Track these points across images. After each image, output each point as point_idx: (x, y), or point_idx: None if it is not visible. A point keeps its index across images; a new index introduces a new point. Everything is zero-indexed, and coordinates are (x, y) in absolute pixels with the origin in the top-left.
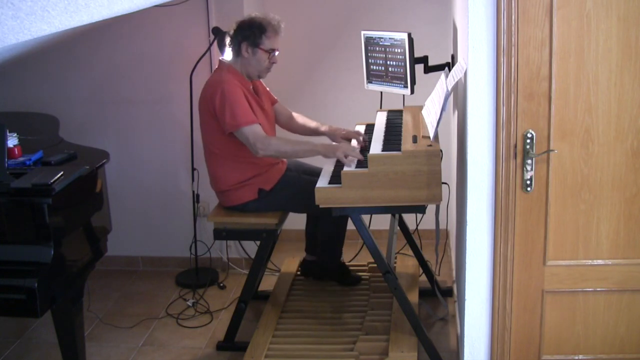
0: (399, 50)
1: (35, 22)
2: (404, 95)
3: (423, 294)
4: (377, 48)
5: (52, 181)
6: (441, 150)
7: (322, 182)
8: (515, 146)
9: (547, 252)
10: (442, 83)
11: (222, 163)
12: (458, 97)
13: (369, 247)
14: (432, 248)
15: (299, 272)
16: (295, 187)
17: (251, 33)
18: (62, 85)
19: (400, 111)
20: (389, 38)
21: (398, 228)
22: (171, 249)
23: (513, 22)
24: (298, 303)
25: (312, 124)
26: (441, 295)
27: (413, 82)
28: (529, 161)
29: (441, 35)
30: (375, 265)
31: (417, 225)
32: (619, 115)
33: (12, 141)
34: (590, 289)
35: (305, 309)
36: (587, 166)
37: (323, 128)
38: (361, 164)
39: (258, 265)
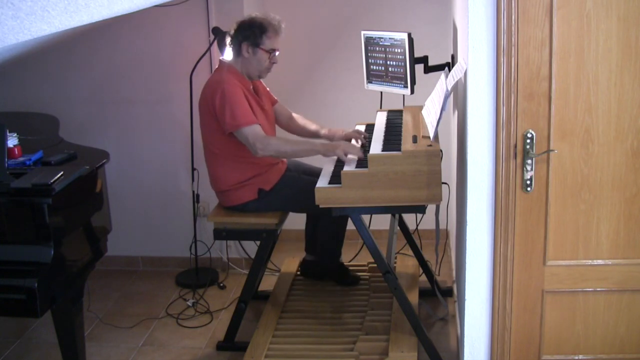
0: (399, 50)
1: (35, 22)
2: (404, 95)
3: (423, 294)
4: (377, 48)
5: (52, 181)
6: (441, 150)
7: (322, 182)
8: (515, 146)
9: (547, 252)
10: (442, 83)
11: (222, 163)
12: (458, 97)
13: (369, 247)
14: (432, 248)
15: (299, 272)
16: (295, 187)
17: (252, 33)
18: (62, 85)
19: (400, 111)
20: (389, 38)
21: (398, 228)
22: (171, 249)
23: (513, 22)
24: (298, 303)
25: (312, 126)
26: (441, 295)
27: (413, 82)
28: (529, 161)
29: (441, 35)
30: (375, 265)
31: (417, 225)
32: (619, 115)
33: (12, 141)
34: (590, 289)
35: (305, 309)
36: (587, 166)
37: (323, 131)
38: (361, 164)
39: (258, 265)
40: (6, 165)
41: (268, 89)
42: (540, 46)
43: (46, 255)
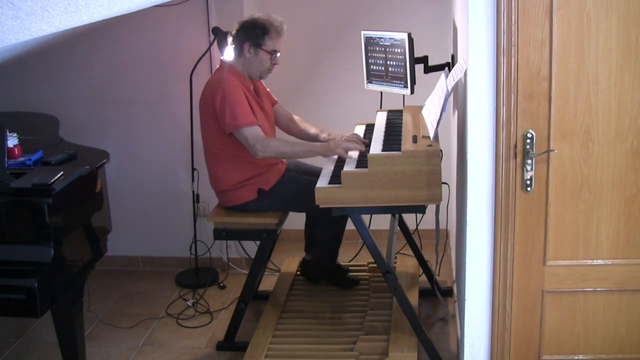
0: (399, 50)
1: (35, 22)
2: (404, 95)
3: (423, 294)
4: (377, 48)
5: (52, 181)
6: (441, 150)
7: (322, 182)
8: (515, 146)
9: (547, 252)
10: (442, 83)
11: (222, 163)
12: (458, 97)
13: (369, 247)
14: (432, 248)
15: (299, 272)
16: (295, 187)
17: (254, 34)
18: (62, 85)
19: (400, 111)
20: (389, 38)
21: (398, 228)
22: (171, 249)
23: (513, 22)
24: (298, 303)
25: (311, 130)
26: (441, 295)
27: (413, 82)
28: (529, 161)
29: (441, 35)
30: (375, 265)
31: (417, 225)
32: (619, 115)
33: (12, 141)
34: (590, 289)
35: (305, 309)
36: (587, 166)
37: (322, 135)
38: (361, 164)
39: (258, 265)
40: (6, 165)
41: (268, 89)
42: (540, 46)
43: (46, 255)
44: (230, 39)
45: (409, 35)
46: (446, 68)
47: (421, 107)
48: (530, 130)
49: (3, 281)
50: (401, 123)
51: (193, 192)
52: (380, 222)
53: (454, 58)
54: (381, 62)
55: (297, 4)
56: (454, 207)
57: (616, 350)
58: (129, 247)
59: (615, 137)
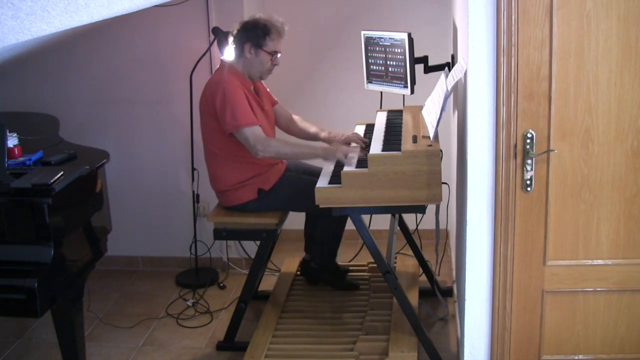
0: (399, 50)
1: (35, 22)
2: (404, 95)
3: (423, 294)
4: (377, 48)
5: (52, 181)
6: (441, 150)
7: (322, 182)
8: (515, 146)
9: (547, 252)
10: (442, 83)
11: (222, 163)
12: (458, 97)
13: (369, 247)
14: (432, 248)
15: (299, 272)
16: (295, 186)
17: (255, 34)
18: (62, 85)
19: (400, 111)
20: (389, 38)
21: (398, 228)
22: (171, 249)
23: (513, 22)
24: (298, 303)
25: (311, 129)
26: (441, 295)
27: (413, 82)
28: (529, 161)
29: (441, 35)
30: (375, 265)
31: (417, 225)
32: (619, 115)
33: (12, 141)
34: (590, 289)
35: (305, 309)
36: (587, 166)
37: (322, 134)
38: (361, 164)
39: (258, 265)
40: (6, 165)
41: (268, 89)
42: (540, 46)
43: (46, 255)
44: (231, 39)
45: (409, 35)
46: (446, 68)
47: (421, 107)
48: (530, 130)
49: (3, 281)
50: (401, 123)
51: (193, 192)
52: (380, 222)
53: (454, 58)
54: (381, 62)
55: (297, 4)
56: (454, 207)
57: (616, 350)
58: (129, 247)
59: (615, 137)
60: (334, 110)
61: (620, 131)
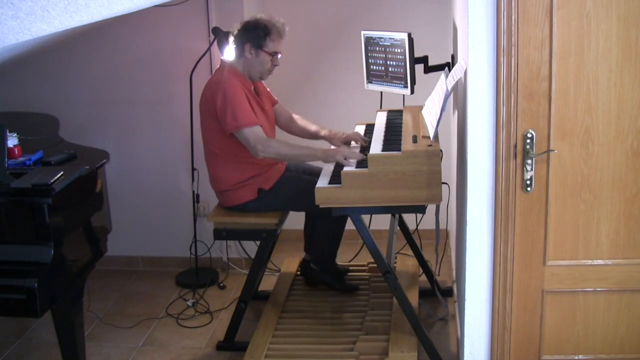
0: (399, 50)
1: (35, 22)
2: (404, 95)
3: (423, 294)
4: (377, 48)
5: (52, 181)
6: (441, 150)
7: (322, 182)
8: (515, 146)
9: (547, 252)
10: (442, 83)
11: (222, 163)
12: (458, 97)
13: (369, 247)
14: (432, 248)
15: (299, 272)
16: (295, 186)
17: (255, 35)
18: (62, 85)
19: (400, 111)
20: (389, 38)
21: (398, 228)
22: (171, 249)
23: (513, 22)
24: (298, 303)
25: (312, 127)
26: (441, 295)
27: (413, 82)
28: (529, 161)
29: (441, 35)
30: (375, 265)
31: (417, 225)
32: (619, 115)
33: (12, 141)
34: (590, 289)
35: (305, 309)
36: (587, 166)
37: (323, 132)
38: (361, 163)
39: (258, 265)
40: (6, 165)
41: (268, 89)
42: (540, 46)
43: (46, 255)
44: (231, 39)
45: (409, 35)
46: (446, 68)
47: (421, 107)
48: (530, 130)
49: (3, 281)
50: (401, 123)
51: (193, 192)
52: (380, 222)
53: (454, 58)
54: (381, 62)
55: (297, 4)
56: (454, 207)
57: (616, 350)
58: (129, 247)
59: (615, 137)
60: (334, 110)
61: (620, 131)
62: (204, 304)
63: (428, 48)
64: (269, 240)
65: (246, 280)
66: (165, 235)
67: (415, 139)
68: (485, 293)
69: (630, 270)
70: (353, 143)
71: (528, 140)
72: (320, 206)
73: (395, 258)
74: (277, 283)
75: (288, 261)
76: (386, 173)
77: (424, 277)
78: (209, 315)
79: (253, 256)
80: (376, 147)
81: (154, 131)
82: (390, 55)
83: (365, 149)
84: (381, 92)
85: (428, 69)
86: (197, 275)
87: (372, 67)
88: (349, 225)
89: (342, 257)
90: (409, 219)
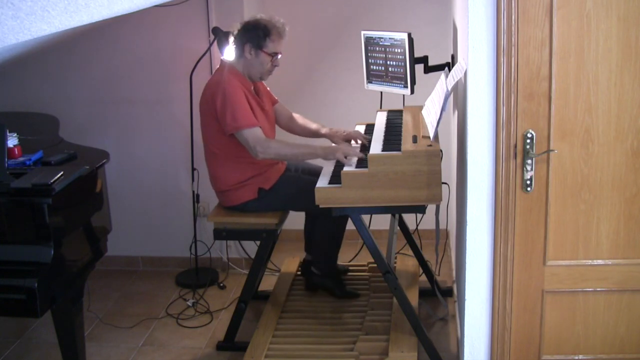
0: (399, 50)
1: (35, 22)
2: (404, 95)
3: (423, 294)
4: (377, 48)
5: (52, 181)
6: (441, 150)
7: (322, 182)
8: (515, 146)
9: (547, 252)
10: (442, 83)
11: (222, 163)
12: (458, 97)
13: (369, 247)
14: (432, 248)
15: (299, 272)
16: (295, 186)
17: (256, 35)
18: (62, 85)
19: (400, 111)
20: (389, 38)
21: (398, 228)
22: (171, 249)
23: (513, 22)
24: (298, 303)
25: (312, 125)
26: (441, 295)
27: (413, 82)
28: (529, 161)
29: (441, 35)
30: (375, 265)
31: (417, 225)
32: (619, 115)
33: (12, 141)
34: (590, 289)
35: (305, 309)
36: (587, 166)
37: (323, 130)
38: (361, 164)
39: (258, 265)
40: (6, 165)
41: (268, 88)
42: (540, 46)
43: (46, 255)
44: (231, 39)
45: (409, 35)
46: (446, 68)
47: (421, 107)
48: (530, 130)
49: (3, 281)
50: (401, 123)
51: (193, 192)
52: (380, 222)
53: (454, 58)
54: (381, 62)
55: (297, 4)
56: (454, 207)
57: (616, 350)
58: (129, 247)
59: (615, 137)
60: (334, 110)
61: (620, 131)
62: (204, 304)
63: (428, 48)
64: (269, 240)
65: (246, 280)
66: (165, 235)
67: (415, 139)
68: (485, 293)
69: (630, 270)
70: (353, 142)
71: (528, 140)
72: (320, 206)
73: (395, 258)
74: (277, 283)
75: (288, 261)
76: (386, 173)
77: (424, 277)
78: (209, 315)
79: (253, 256)
80: (376, 147)
81: (154, 131)
82: (390, 55)
83: (365, 147)
84: (381, 92)
85: (428, 69)
86: (197, 275)
87: (372, 67)
88: (349, 225)
89: (342, 257)
90: (409, 219)
